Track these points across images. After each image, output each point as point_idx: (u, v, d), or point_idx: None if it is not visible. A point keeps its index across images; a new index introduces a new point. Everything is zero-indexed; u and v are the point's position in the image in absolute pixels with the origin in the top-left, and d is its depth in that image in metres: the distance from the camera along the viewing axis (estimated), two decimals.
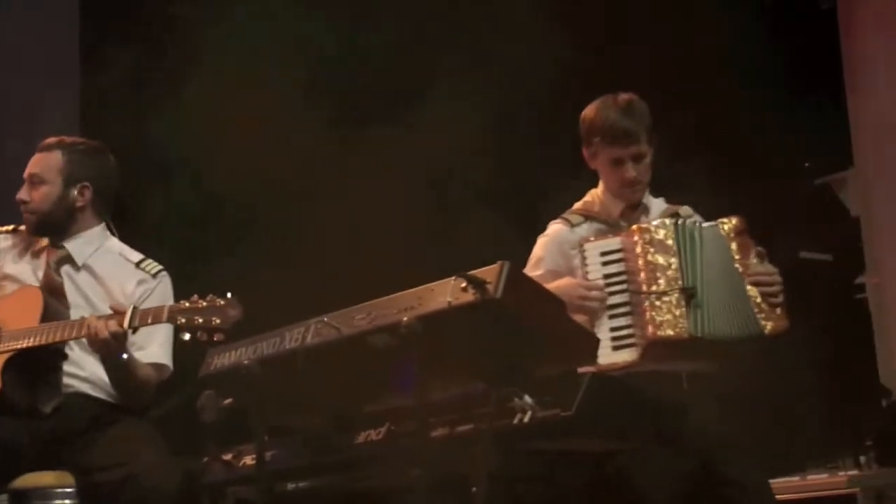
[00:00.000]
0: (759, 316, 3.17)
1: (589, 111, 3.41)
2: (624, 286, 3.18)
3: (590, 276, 3.20)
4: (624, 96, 3.37)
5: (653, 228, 3.20)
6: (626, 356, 3.12)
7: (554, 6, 4.99)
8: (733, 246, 3.21)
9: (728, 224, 3.23)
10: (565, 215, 3.45)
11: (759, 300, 3.17)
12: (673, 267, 3.15)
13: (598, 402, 2.61)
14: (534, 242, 3.48)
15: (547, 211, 3.57)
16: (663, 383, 3.12)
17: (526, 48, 4.88)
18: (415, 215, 4.92)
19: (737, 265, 3.20)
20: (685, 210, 3.42)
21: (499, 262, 2.59)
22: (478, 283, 2.55)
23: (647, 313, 3.11)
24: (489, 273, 2.58)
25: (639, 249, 3.17)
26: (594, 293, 3.17)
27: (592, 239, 3.26)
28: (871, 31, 6.06)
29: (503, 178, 5.18)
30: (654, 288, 3.12)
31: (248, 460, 3.09)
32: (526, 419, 2.62)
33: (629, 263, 3.18)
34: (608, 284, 3.19)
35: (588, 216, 3.40)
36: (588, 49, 5.19)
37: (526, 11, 4.90)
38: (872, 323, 6.00)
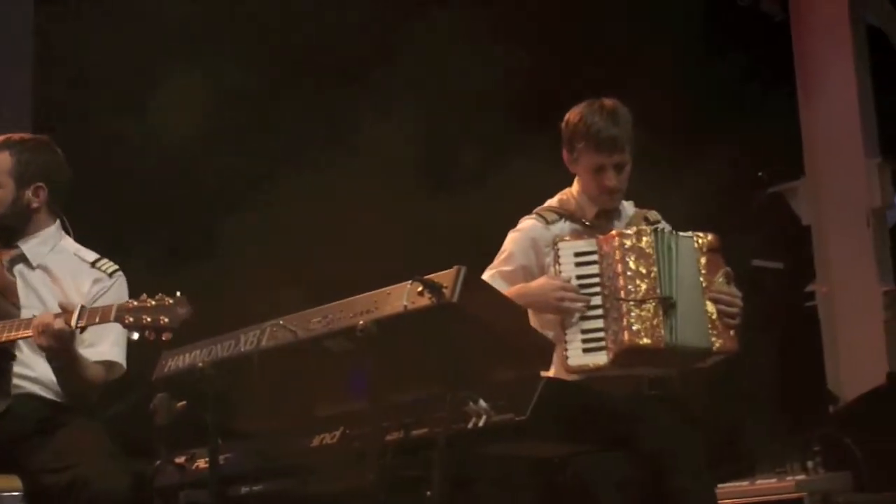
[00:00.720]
0: (711, 332, 3.18)
1: (573, 115, 3.34)
2: (597, 289, 3.16)
3: (562, 276, 3.17)
4: (609, 102, 3.32)
5: (634, 235, 3.18)
6: (597, 359, 3.11)
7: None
8: (702, 261, 3.21)
9: (702, 239, 3.23)
10: (540, 212, 3.39)
11: (714, 317, 3.18)
12: (652, 275, 3.13)
13: (552, 406, 2.62)
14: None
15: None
16: (624, 387, 3.13)
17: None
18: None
19: (701, 279, 3.20)
20: (653, 214, 3.42)
21: (455, 267, 2.59)
22: (434, 288, 2.55)
23: (625, 319, 3.09)
24: (445, 277, 2.58)
25: (618, 255, 3.15)
26: (571, 294, 3.14)
27: (567, 238, 3.24)
28: (823, 43, 6.17)
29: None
30: (632, 295, 3.11)
31: (202, 463, 3.07)
32: (480, 423, 2.63)
33: (605, 267, 3.16)
34: (580, 286, 3.16)
35: (564, 215, 3.36)
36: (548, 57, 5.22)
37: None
38: (822, 330, 6.10)
